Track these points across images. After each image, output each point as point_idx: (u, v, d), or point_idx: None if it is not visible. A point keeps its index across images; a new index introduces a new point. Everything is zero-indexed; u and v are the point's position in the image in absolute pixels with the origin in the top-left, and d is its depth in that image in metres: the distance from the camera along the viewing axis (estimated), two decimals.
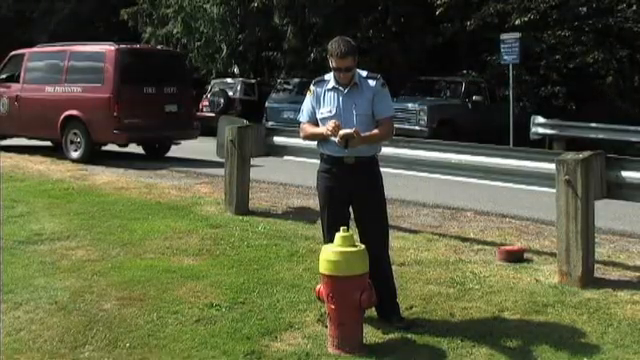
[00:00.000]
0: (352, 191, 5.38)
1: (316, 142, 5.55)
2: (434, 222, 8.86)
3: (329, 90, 5.44)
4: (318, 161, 5.55)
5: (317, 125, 5.48)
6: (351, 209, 5.49)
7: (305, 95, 5.66)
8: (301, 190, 10.85)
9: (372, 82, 5.42)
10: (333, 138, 5.21)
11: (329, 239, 5.13)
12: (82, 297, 5.83)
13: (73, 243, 7.54)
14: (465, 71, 22.88)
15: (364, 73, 5.48)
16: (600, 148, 7.30)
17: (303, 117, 5.60)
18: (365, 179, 5.41)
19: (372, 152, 5.44)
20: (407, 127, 19.29)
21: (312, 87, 5.56)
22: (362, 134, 5.18)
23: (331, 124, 5.21)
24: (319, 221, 8.23)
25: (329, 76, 5.48)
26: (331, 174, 5.43)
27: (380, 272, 5.27)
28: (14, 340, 4.96)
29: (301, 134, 5.72)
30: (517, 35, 18.42)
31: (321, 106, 5.46)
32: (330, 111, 5.39)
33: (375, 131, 5.34)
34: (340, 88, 5.38)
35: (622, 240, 8.04)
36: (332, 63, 5.32)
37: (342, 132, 5.13)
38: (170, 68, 15.50)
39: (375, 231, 5.42)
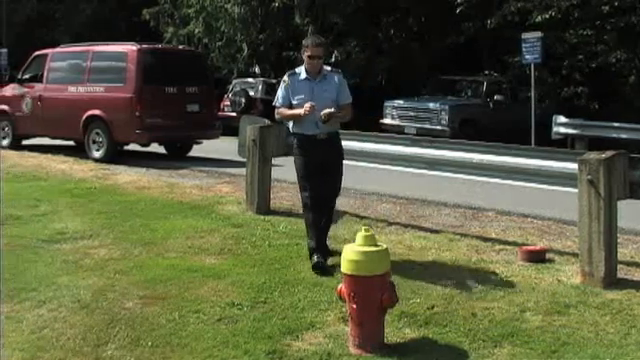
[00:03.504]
0: (325, 158, 6.86)
1: (295, 127, 6.98)
2: (455, 222, 8.84)
3: (301, 80, 6.89)
4: None
5: (291, 109, 6.89)
6: None
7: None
8: None
9: (336, 76, 6.96)
10: (308, 119, 6.69)
11: (310, 204, 6.89)
12: (104, 296, 5.86)
13: (96, 242, 7.59)
14: (487, 72, 22.79)
15: (328, 68, 7.01)
16: (624, 148, 7.25)
17: (279, 102, 7.03)
18: (334, 150, 6.99)
19: (336, 129, 7.01)
20: (429, 127, 19.28)
21: (286, 78, 7.01)
22: (337, 114, 6.70)
23: (308, 105, 6.61)
24: (340, 220, 8.34)
25: (299, 69, 6.95)
26: (307, 149, 6.90)
27: (327, 216, 7.01)
28: (38, 338, 5.01)
29: (277, 116, 7.21)
30: (539, 34, 18.29)
31: (296, 93, 6.86)
32: (303, 97, 6.77)
33: (342, 112, 6.86)
34: (311, 78, 6.85)
35: None
36: (307, 52, 6.80)
37: (325, 111, 6.57)
38: (191, 68, 15.54)
39: (334, 186, 7.07)
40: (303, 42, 6.96)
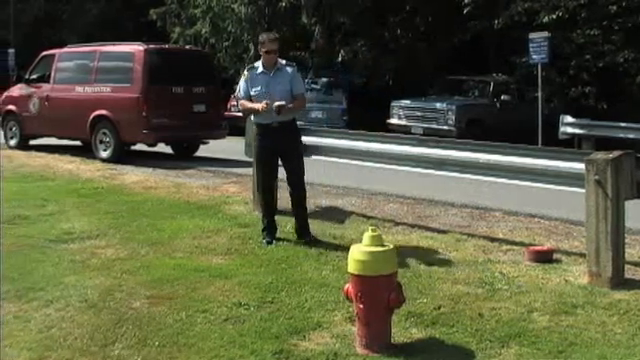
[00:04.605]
0: (279, 146, 7.59)
1: (254, 117, 7.72)
2: (462, 222, 8.83)
3: (259, 74, 7.60)
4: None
5: (250, 100, 7.59)
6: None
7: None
8: (329, 190, 10.83)
9: (289, 69, 7.71)
10: (265, 113, 7.37)
11: (262, 185, 7.86)
12: (112, 295, 5.87)
13: (103, 242, 7.60)
14: (494, 74, 22.76)
15: (284, 62, 7.71)
16: (631, 148, 7.23)
17: (240, 95, 7.81)
18: (287, 137, 7.64)
19: (290, 118, 7.72)
20: (435, 127, 19.28)
21: (246, 72, 7.74)
22: (288, 106, 7.40)
23: (263, 104, 7.31)
24: (347, 220, 8.35)
25: (258, 64, 7.68)
26: (263, 136, 7.63)
27: (299, 198, 7.77)
28: (45, 337, 5.01)
29: (240, 107, 8.08)
30: (546, 34, 18.27)
31: (254, 86, 7.57)
32: (260, 89, 7.50)
33: (295, 103, 7.60)
34: (267, 72, 7.56)
35: None
36: (264, 48, 7.53)
37: (277, 104, 7.28)
38: (198, 68, 15.54)
39: (297, 169, 7.72)
40: (259, 39, 7.76)
